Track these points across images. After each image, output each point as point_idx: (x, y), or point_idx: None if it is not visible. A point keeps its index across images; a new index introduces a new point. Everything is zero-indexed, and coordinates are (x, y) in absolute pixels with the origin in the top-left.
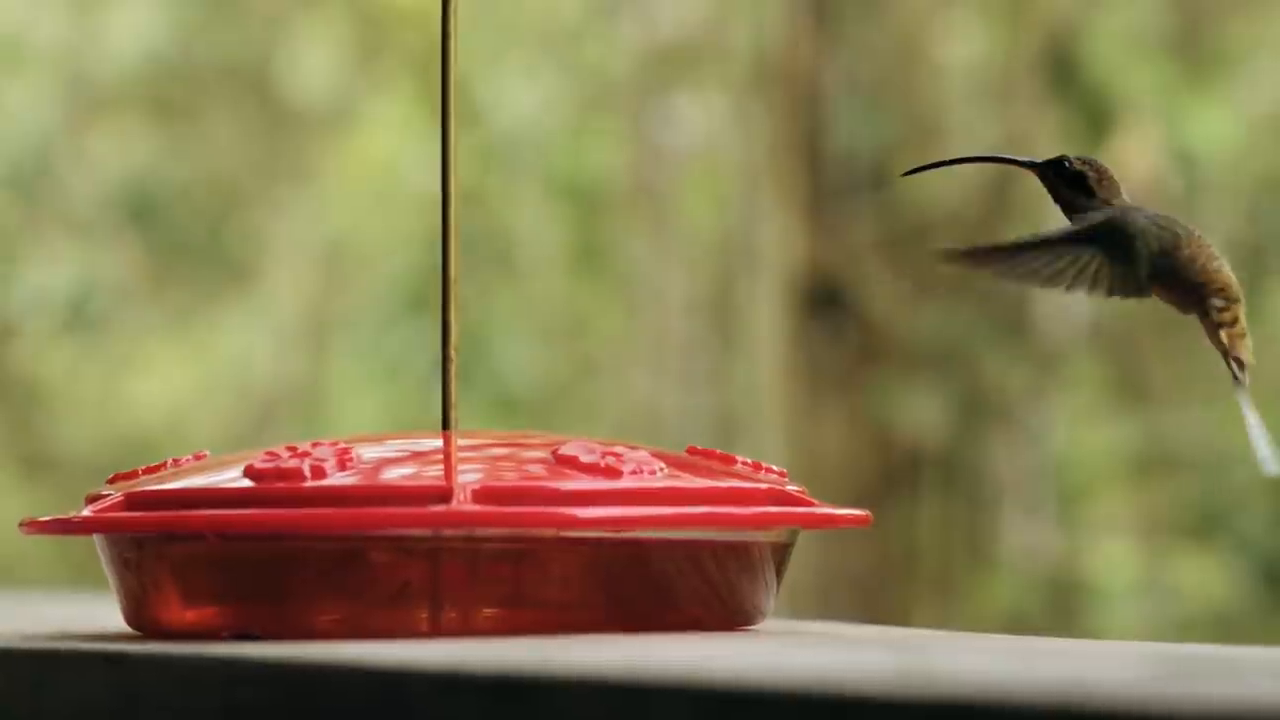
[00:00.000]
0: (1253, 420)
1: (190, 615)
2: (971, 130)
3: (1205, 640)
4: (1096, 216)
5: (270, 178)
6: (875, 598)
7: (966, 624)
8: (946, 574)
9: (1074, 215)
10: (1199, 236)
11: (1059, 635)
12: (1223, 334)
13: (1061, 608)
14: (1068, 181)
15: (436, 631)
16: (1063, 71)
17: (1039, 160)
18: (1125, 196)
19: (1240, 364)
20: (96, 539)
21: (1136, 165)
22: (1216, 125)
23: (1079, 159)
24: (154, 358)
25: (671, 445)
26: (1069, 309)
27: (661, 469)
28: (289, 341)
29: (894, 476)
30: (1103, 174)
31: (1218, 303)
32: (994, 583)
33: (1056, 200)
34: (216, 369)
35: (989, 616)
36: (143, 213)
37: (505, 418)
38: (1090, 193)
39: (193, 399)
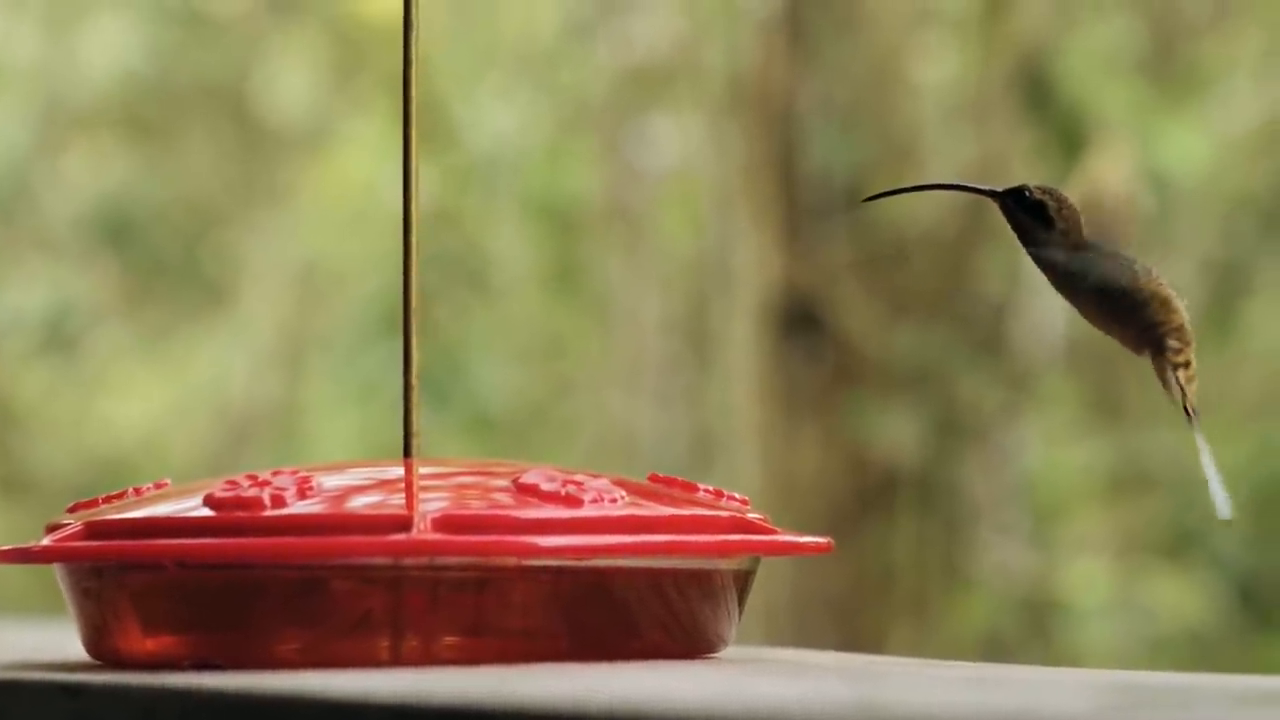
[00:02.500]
0: (1209, 464)
1: (150, 645)
2: (946, 151)
3: (1180, 659)
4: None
5: (246, 198)
6: (851, 619)
7: (942, 644)
8: (922, 594)
9: (1030, 245)
10: (1157, 275)
11: (1034, 655)
12: (1180, 375)
13: (1037, 627)
14: (1027, 210)
15: (398, 661)
16: (1037, 92)
17: (999, 189)
18: (1085, 227)
19: (1192, 407)
20: (56, 568)
21: (1110, 185)
22: (1190, 145)
23: (1039, 188)
24: (130, 378)
25: (647, 464)
26: (1044, 329)
27: (622, 497)
28: (265, 362)
29: (869, 497)
30: (1063, 204)
31: (1174, 344)
32: (969, 603)
33: (1015, 229)
34: (192, 390)
35: (965, 637)
36: (119, 233)
37: (481, 438)
38: (1050, 223)
39: (169, 420)
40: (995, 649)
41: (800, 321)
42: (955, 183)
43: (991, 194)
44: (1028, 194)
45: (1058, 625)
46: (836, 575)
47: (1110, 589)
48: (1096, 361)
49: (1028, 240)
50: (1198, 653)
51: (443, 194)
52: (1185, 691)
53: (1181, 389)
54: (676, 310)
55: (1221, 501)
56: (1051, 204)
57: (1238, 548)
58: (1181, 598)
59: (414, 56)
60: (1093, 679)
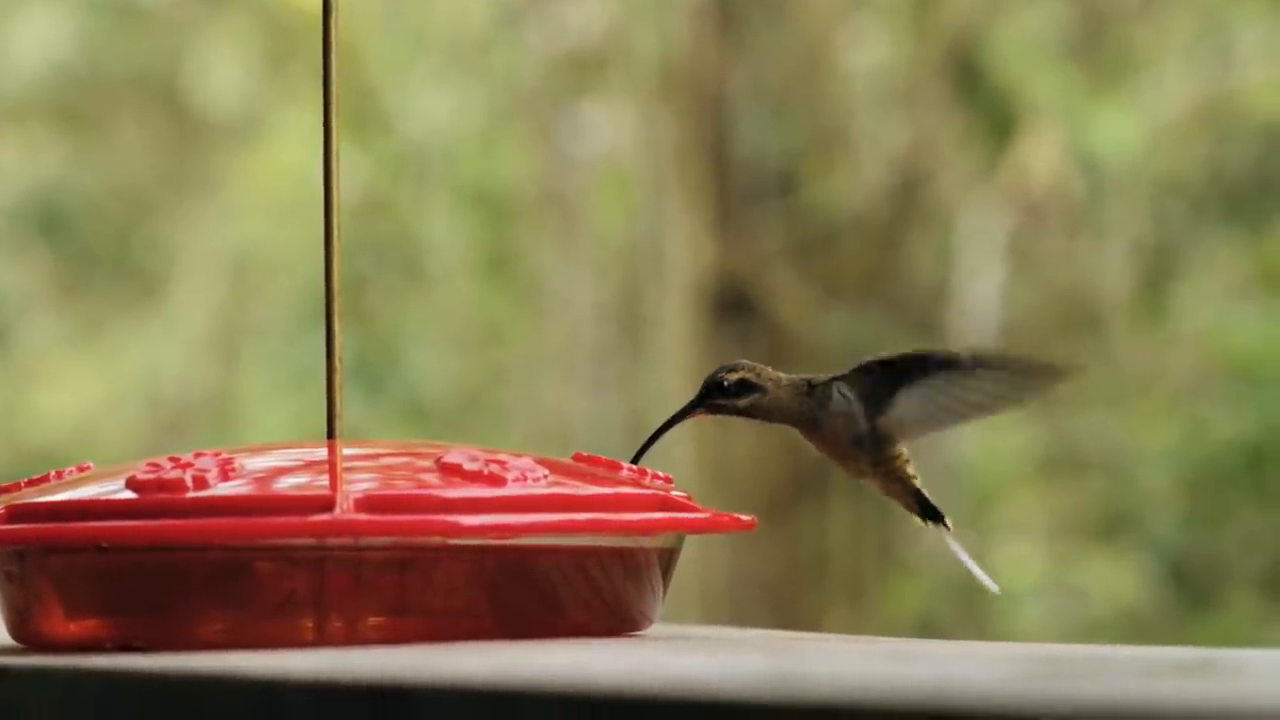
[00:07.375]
0: (965, 557)
1: (73, 628)
2: (877, 136)
3: (1113, 640)
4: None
5: (179, 188)
6: (787, 602)
7: (878, 627)
8: (857, 577)
9: (766, 418)
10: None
11: (968, 637)
12: (916, 484)
13: (971, 610)
14: (737, 392)
15: (322, 641)
16: (967, 76)
17: (698, 399)
18: (781, 374)
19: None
20: None
21: (1040, 169)
22: (1120, 129)
23: (727, 369)
24: (63, 369)
25: (581, 450)
26: (977, 311)
27: (545, 476)
28: (199, 352)
29: (804, 480)
30: (756, 368)
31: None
32: (905, 586)
33: (743, 415)
34: (126, 379)
35: (900, 619)
36: (51, 223)
37: (416, 425)
38: (760, 389)
39: (102, 410)
40: (929, 631)
41: (733, 306)
42: (662, 424)
43: (695, 406)
44: (726, 384)
45: (992, 608)
46: (773, 558)
47: (1044, 571)
48: (1029, 344)
49: (760, 415)
50: (1132, 633)
51: (376, 181)
52: (1099, 662)
53: (921, 492)
54: (610, 296)
55: (985, 579)
56: (749, 375)
57: (1170, 529)
58: (1115, 579)
59: (333, 43)
60: (1009, 651)
